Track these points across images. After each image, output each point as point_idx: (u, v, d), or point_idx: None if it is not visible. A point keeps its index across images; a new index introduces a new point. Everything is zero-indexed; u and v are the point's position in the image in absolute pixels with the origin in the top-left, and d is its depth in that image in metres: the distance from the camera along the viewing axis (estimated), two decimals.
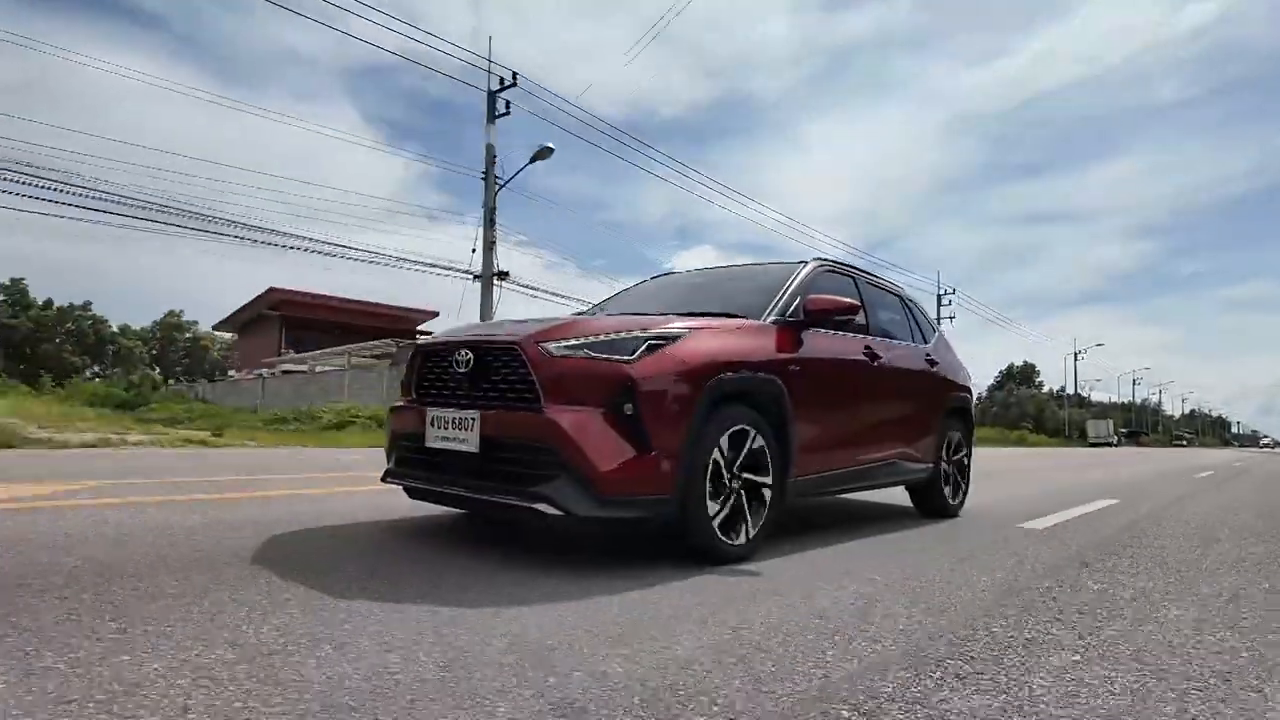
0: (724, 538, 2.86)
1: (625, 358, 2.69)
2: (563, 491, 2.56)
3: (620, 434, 2.61)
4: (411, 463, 3.16)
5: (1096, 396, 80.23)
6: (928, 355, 4.75)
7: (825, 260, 4.19)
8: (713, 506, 2.82)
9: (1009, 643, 1.94)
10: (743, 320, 3.31)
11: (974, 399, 5.34)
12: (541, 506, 2.56)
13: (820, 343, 3.60)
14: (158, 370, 54.53)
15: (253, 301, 35.74)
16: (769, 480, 3.10)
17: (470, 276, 17.80)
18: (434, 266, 18.30)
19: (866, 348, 4.01)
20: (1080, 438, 59.28)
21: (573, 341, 2.73)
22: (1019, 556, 3.30)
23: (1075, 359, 58.76)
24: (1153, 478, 10.37)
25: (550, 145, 16.93)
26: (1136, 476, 10.54)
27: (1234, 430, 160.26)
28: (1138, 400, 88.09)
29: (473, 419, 2.80)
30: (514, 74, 17.38)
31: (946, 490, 4.73)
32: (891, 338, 4.46)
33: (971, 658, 1.80)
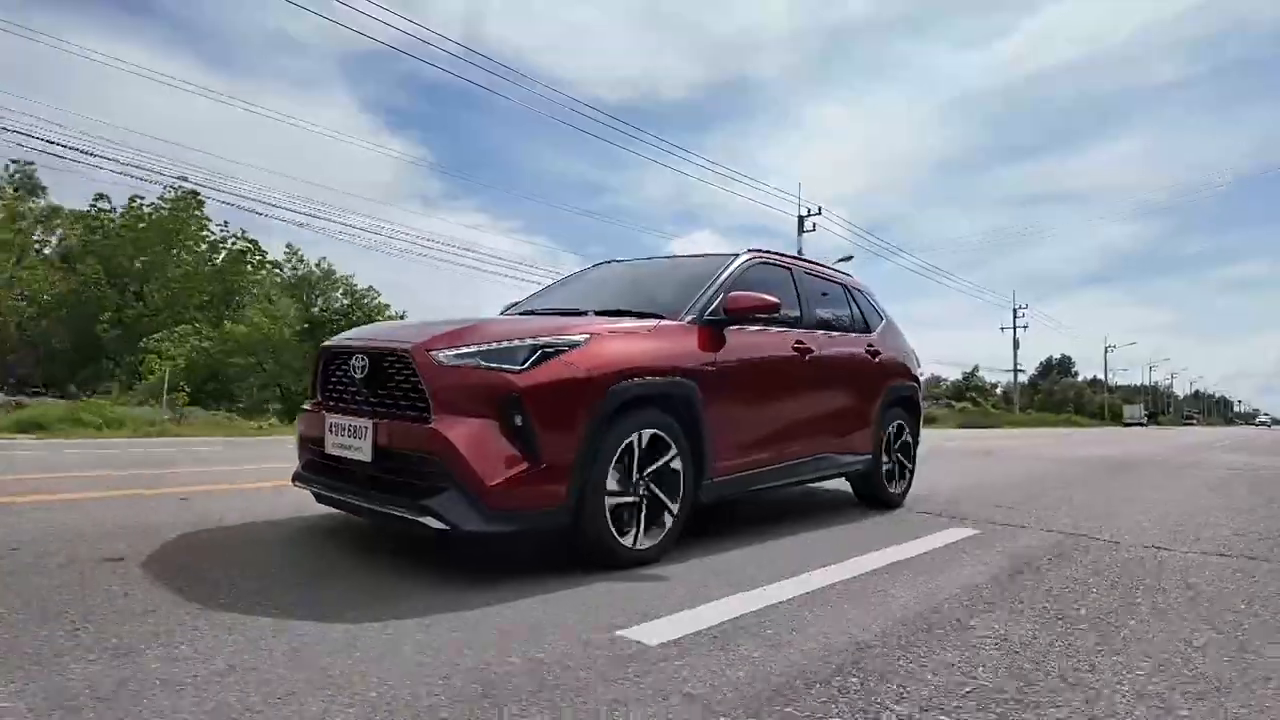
0: (626, 542, 2.83)
1: (515, 367, 2.62)
2: (449, 505, 2.51)
3: (510, 445, 2.56)
4: (315, 467, 3.11)
5: (1093, 375, 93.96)
6: (869, 345, 4.68)
7: (759, 251, 4.10)
8: (614, 511, 2.79)
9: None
10: (656, 321, 3.23)
11: (921, 387, 5.28)
12: (427, 520, 2.51)
13: (743, 340, 3.53)
14: None
15: None
16: (679, 482, 3.06)
17: None
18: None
19: (798, 342, 3.94)
20: (1115, 419, 71.77)
21: (463, 350, 2.65)
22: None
23: (1107, 352, 71.72)
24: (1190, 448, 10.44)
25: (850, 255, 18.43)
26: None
27: (1236, 409, 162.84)
28: (1150, 383, 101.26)
29: (366, 427, 2.74)
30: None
31: (887, 481, 4.71)
32: (831, 329, 4.40)
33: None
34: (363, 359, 2.86)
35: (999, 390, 67.55)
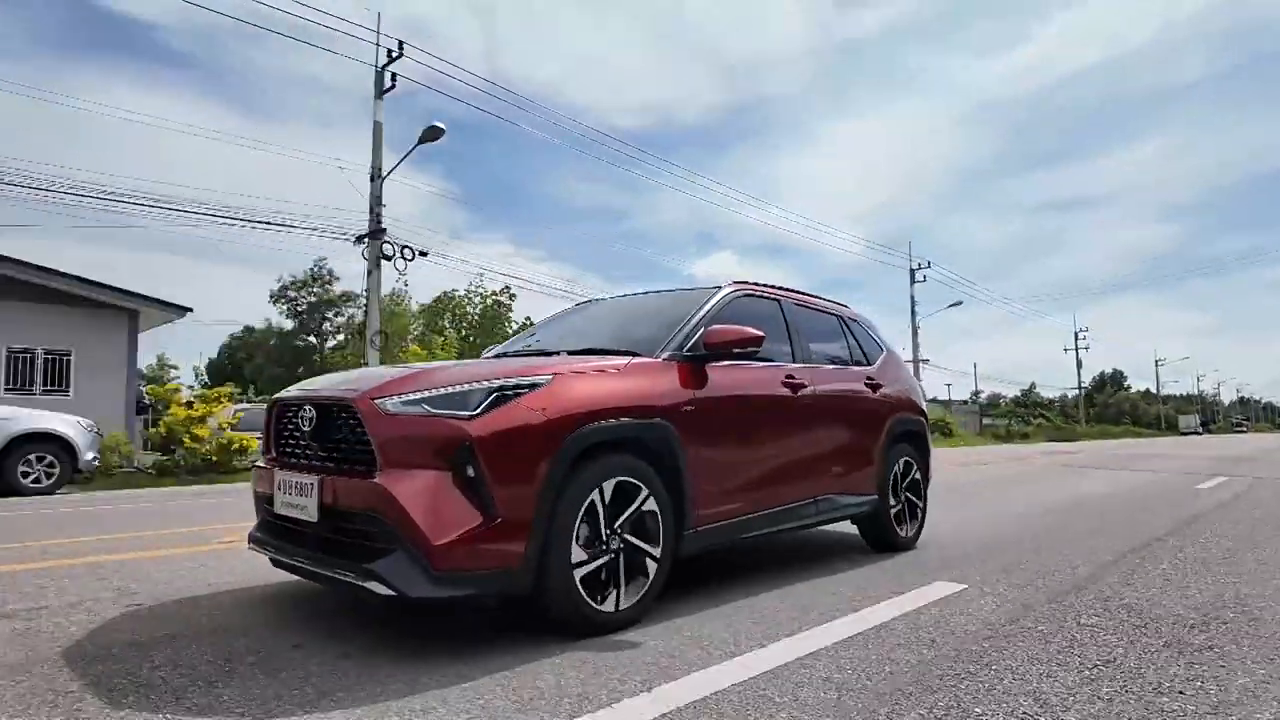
0: (597, 605, 2.57)
1: (466, 413, 2.41)
2: (395, 569, 2.27)
3: (461, 499, 2.33)
4: (267, 528, 2.91)
5: (1143, 387, 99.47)
6: (869, 379, 4.43)
7: (744, 284, 3.91)
8: (583, 571, 2.54)
9: None
10: (629, 359, 3.02)
11: (928, 421, 5.00)
12: (372, 585, 2.28)
13: (726, 377, 3.30)
14: None
15: None
16: (658, 535, 2.81)
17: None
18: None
19: (788, 377, 3.71)
20: (1170, 429, 75.83)
21: (411, 396, 2.46)
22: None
23: (1158, 365, 78.82)
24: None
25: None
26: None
27: None
28: (1198, 392, 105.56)
29: (312, 484, 2.54)
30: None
31: (896, 523, 4.40)
32: (824, 362, 4.16)
33: None
34: (310, 410, 2.68)
35: (1056, 405, 69.68)
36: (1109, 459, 15.80)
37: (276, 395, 3.02)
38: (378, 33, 15.92)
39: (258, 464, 3.05)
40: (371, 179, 15.85)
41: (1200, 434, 68.58)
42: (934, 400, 47.46)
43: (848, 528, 4.72)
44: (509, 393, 2.50)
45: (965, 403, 59.03)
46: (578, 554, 2.52)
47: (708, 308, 3.50)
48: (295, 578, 3.17)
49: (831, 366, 4.20)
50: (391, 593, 2.25)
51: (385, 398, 2.45)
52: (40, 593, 3.26)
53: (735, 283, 3.86)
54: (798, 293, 4.37)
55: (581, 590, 2.52)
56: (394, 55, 15.95)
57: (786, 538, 4.78)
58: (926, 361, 36.23)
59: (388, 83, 15.99)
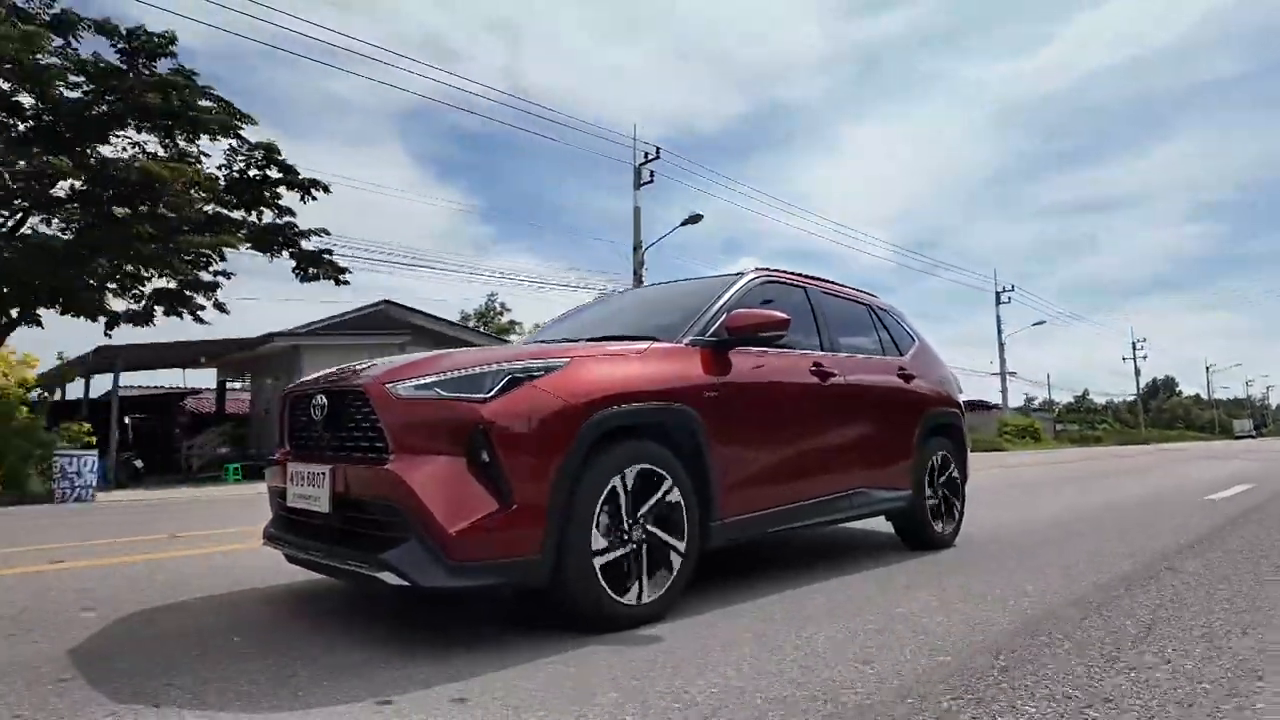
0: (619, 598, 2.44)
1: (480, 396, 2.32)
2: (408, 559, 2.18)
3: (476, 485, 2.24)
4: (281, 523, 2.84)
5: (1190, 391, 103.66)
6: (901, 368, 4.26)
7: (768, 270, 3.78)
8: (604, 560, 2.42)
9: None
10: (649, 344, 2.91)
11: (964, 415, 4.80)
12: (384, 576, 2.19)
13: (751, 363, 3.17)
14: None
15: None
16: (683, 527, 2.68)
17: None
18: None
19: (816, 365, 3.56)
20: (1223, 433, 77.65)
21: (422, 380, 2.37)
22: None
23: (1209, 371, 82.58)
24: None
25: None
26: None
27: None
28: (1247, 396, 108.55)
29: (324, 474, 2.46)
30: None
31: (932, 519, 4.21)
32: (854, 351, 4.01)
33: None
34: (322, 399, 2.61)
35: (1109, 411, 74.16)
36: (1217, 451, 20.60)
37: (289, 386, 2.96)
38: (634, 139, 22.40)
39: (272, 458, 2.99)
40: (634, 250, 22.15)
41: (1255, 437, 69.92)
42: (1018, 409, 51.11)
43: (873, 525, 4.54)
44: (522, 376, 2.40)
45: (1040, 410, 62.21)
46: (598, 543, 2.41)
47: (730, 293, 3.37)
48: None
49: (861, 356, 4.05)
50: (404, 583, 2.16)
51: (397, 382, 2.37)
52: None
53: (759, 269, 3.74)
54: (825, 280, 4.22)
55: (603, 581, 2.40)
56: (650, 157, 22.50)
57: (813, 533, 4.61)
58: (1014, 375, 40.81)
59: (645, 177, 22.39)
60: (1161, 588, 2.96)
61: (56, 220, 13.94)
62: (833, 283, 4.30)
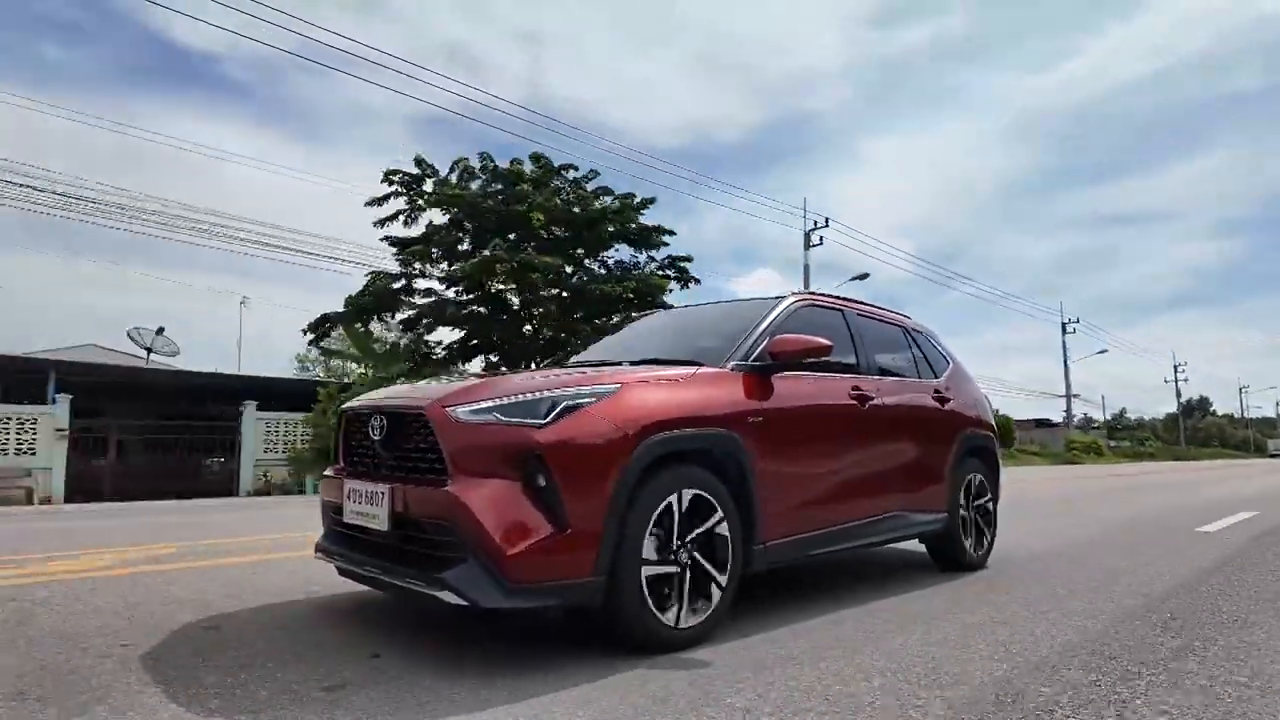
0: (666, 620, 2.50)
1: (537, 421, 2.39)
2: (467, 579, 2.25)
3: (532, 509, 2.31)
4: (334, 537, 2.93)
5: (1223, 410, 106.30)
6: (937, 391, 4.28)
7: (807, 294, 3.83)
8: (653, 584, 2.48)
9: None
10: (695, 369, 2.97)
11: (997, 437, 4.80)
12: (444, 595, 2.26)
13: (792, 388, 3.22)
14: None
15: None
16: (728, 549, 2.73)
17: None
18: None
19: (855, 389, 3.60)
20: (1257, 450, 79.47)
21: (481, 404, 2.45)
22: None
23: (1242, 391, 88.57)
24: None
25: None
26: None
27: None
28: (1276, 415, 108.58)
29: (383, 493, 2.54)
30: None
31: (966, 541, 4.22)
32: (891, 374, 4.04)
33: None
34: (380, 420, 2.69)
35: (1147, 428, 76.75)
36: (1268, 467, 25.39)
37: (345, 405, 3.05)
38: (804, 211, 26.40)
39: (326, 474, 3.08)
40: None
41: None
42: (1080, 427, 52.86)
43: (904, 548, 4.55)
44: (575, 403, 2.47)
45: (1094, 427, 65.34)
46: (648, 568, 2.46)
47: (771, 318, 3.42)
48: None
49: (898, 378, 4.07)
50: (463, 603, 2.23)
51: (456, 405, 2.45)
52: None
53: (797, 293, 3.78)
54: (861, 303, 4.26)
55: (650, 604, 2.45)
56: (818, 224, 26.58)
57: (848, 556, 4.63)
58: (1078, 396, 44.01)
59: (814, 240, 26.50)
60: None
61: (538, 311, 16.82)
62: (869, 305, 4.34)
